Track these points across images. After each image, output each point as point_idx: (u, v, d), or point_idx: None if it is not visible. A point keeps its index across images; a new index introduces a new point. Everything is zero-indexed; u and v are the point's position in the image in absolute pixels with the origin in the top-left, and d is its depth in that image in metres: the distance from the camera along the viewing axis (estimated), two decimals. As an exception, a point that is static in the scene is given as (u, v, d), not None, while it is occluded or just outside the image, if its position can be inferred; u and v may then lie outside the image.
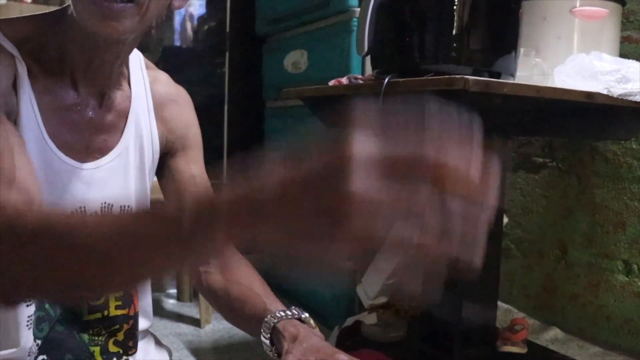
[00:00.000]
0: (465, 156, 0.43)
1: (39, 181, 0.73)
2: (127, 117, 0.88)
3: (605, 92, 1.29)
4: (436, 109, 0.43)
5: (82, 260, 0.51)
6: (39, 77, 0.78)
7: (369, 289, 1.72)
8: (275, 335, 0.80)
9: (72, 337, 0.85)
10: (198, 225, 0.45)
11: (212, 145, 0.94)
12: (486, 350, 1.57)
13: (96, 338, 0.88)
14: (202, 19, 2.92)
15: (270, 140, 2.56)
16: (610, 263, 1.80)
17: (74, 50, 0.79)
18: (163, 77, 0.97)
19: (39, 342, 0.82)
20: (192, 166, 0.96)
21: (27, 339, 0.81)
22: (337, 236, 0.41)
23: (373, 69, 1.44)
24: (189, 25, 2.91)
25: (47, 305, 0.84)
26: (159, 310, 2.50)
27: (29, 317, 0.81)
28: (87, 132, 0.83)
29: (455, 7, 1.26)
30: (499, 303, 1.80)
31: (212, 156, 1.02)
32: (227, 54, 2.89)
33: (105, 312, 0.89)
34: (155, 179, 0.98)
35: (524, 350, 1.59)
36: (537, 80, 1.40)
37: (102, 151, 0.85)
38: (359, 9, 1.75)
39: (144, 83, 0.91)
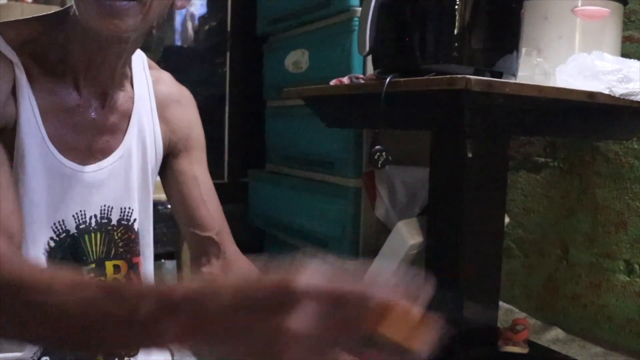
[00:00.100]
0: (406, 305, 0.46)
1: (21, 218, 0.75)
2: (129, 118, 0.88)
3: (607, 91, 1.29)
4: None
5: (39, 320, 0.53)
6: (41, 79, 0.78)
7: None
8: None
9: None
10: (151, 317, 0.47)
11: (213, 144, 0.95)
12: (487, 350, 1.57)
13: (98, 339, 0.88)
14: (203, 19, 2.92)
15: (270, 140, 2.56)
16: (611, 263, 1.80)
17: (76, 51, 0.79)
18: (166, 77, 0.96)
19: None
20: (195, 167, 0.96)
21: None
22: None
23: (374, 68, 1.43)
24: (189, 25, 2.91)
25: None
26: (159, 310, 2.49)
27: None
28: (90, 133, 0.83)
29: (456, 7, 1.26)
30: (501, 303, 1.80)
31: (212, 156, 1.01)
32: (228, 54, 2.88)
33: None
34: (158, 179, 0.98)
35: (525, 351, 1.59)
36: (539, 80, 1.40)
37: (105, 153, 0.85)
38: (360, 9, 1.75)
39: (146, 83, 0.91)
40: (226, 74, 2.89)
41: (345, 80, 1.55)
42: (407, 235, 1.59)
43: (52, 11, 0.83)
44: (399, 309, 0.45)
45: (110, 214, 0.88)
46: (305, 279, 0.44)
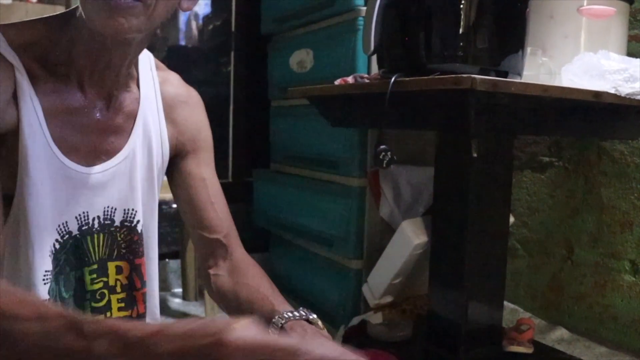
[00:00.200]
0: None
1: (2, 246, 0.76)
2: (135, 119, 0.88)
3: (612, 91, 1.29)
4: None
5: (4, 346, 0.56)
6: (45, 81, 0.78)
7: (375, 289, 1.72)
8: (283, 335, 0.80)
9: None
10: (105, 353, 0.53)
11: (217, 144, 0.95)
12: (492, 350, 1.57)
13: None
14: (207, 18, 2.92)
15: (275, 140, 2.56)
16: (617, 263, 1.80)
17: (81, 53, 0.79)
18: (173, 78, 0.96)
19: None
20: (203, 169, 0.96)
21: None
22: None
23: (379, 68, 1.43)
24: (194, 25, 2.91)
25: None
26: (164, 309, 2.50)
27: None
28: (94, 134, 0.83)
29: (462, 6, 1.25)
30: (505, 303, 1.79)
31: (217, 155, 1.02)
32: (233, 53, 2.89)
33: (108, 314, 0.90)
34: (165, 179, 0.98)
35: (530, 350, 1.59)
36: (544, 80, 1.40)
37: (109, 154, 0.85)
38: (364, 8, 1.75)
39: (153, 84, 0.91)
40: (230, 74, 2.89)
41: (350, 79, 1.55)
42: (411, 235, 1.59)
43: (57, 12, 0.83)
44: None
45: (114, 216, 0.88)
46: (239, 334, 0.50)
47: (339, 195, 2.04)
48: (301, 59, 2.27)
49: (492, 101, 1.18)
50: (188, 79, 1.00)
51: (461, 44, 1.26)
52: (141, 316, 0.93)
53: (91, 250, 0.86)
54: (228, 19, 2.88)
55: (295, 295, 2.30)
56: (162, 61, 0.96)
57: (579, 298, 1.91)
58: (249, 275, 0.93)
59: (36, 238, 0.79)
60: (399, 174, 1.88)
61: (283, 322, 0.81)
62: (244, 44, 2.88)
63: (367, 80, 1.50)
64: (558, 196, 1.97)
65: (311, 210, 2.20)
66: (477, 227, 1.47)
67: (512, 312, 2.03)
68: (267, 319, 0.83)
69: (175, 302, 2.64)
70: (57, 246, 0.82)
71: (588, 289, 1.88)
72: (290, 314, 0.82)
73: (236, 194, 2.72)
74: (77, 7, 0.76)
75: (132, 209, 0.89)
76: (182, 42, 2.90)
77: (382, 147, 1.34)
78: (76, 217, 0.84)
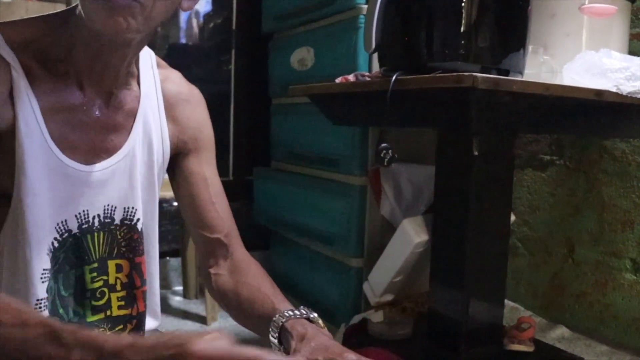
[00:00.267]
0: None
1: (1, 245, 0.77)
2: (135, 117, 0.87)
3: (614, 89, 1.28)
4: None
5: None
6: (43, 79, 0.77)
7: (376, 287, 1.72)
8: (284, 334, 0.80)
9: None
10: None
11: (218, 142, 0.95)
12: (493, 348, 1.57)
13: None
14: (208, 16, 2.92)
15: (276, 138, 2.56)
16: (618, 261, 1.79)
17: (80, 51, 0.78)
18: (175, 76, 0.96)
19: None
20: (205, 168, 0.96)
21: None
22: None
23: (380, 66, 1.43)
24: (194, 23, 2.91)
25: (60, 310, 0.84)
26: (165, 308, 2.50)
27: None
28: (94, 132, 0.83)
29: (463, 4, 1.25)
30: (506, 301, 1.79)
31: (218, 153, 1.01)
32: (233, 51, 2.88)
33: (108, 312, 0.89)
34: (167, 177, 0.98)
35: (530, 349, 1.59)
36: (546, 78, 1.40)
37: (109, 151, 0.85)
38: (365, 6, 1.74)
39: (154, 82, 0.90)
40: (231, 72, 2.89)
41: (351, 77, 1.54)
42: (412, 234, 1.59)
43: (57, 10, 0.83)
44: None
45: (114, 214, 0.88)
46: (203, 345, 0.53)
47: (340, 193, 2.04)
48: (302, 57, 2.27)
49: (493, 99, 1.18)
50: (189, 76, 1.00)
51: (462, 42, 1.26)
52: (141, 314, 0.93)
53: (91, 248, 0.86)
54: (229, 17, 2.88)
55: (295, 294, 2.30)
56: (163, 59, 0.96)
57: (579, 296, 1.91)
58: (250, 274, 0.93)
59: (33, 236, 0.79)
60: (400, 172, 1.88)
61: (284, 320, 0.81)
62: (244, 42, 2.87)
63: (368, 79, 1.50)
64: (559, 195, 1.97)
65: (312, 209, 2.20)
66: (478, 225, 1.47)
67: (512, 310, 2.03)
68: (268, 317, 0.83)
69: (176, 300, 2.64)
70: (56, 244, 0.82)
71: (589, 287, 1.88)
72: (290, 313, 0.81)
73: (237, 192, 2.72)
74: (76, 5, 0.76)
75: (132, 207, 0.89)
76: (183, 40, 2.90)
77: (383, 145, 1.34)
78: (76, 216, 0.83)
